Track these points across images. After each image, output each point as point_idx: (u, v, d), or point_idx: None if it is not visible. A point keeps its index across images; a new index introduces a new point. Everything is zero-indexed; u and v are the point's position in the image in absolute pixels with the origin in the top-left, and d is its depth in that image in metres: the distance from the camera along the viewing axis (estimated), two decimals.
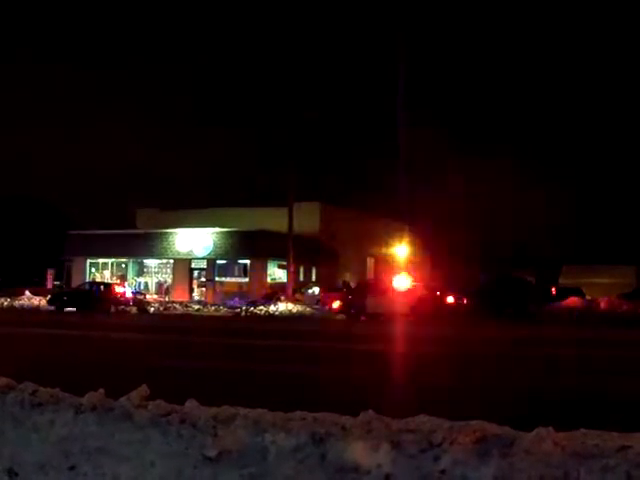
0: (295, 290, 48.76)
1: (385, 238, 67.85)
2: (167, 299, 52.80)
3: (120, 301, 45.50)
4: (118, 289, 47.25)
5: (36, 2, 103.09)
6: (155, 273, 58.37)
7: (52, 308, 45.32)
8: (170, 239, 56.12)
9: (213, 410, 4.14)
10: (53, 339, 22.88)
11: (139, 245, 56.58)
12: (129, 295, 47.15)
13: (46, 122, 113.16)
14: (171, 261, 56.75)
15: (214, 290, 54.54)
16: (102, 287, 47.61)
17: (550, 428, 3.64)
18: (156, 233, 57.09)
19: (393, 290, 40.86)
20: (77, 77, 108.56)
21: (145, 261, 58.30)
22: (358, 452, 3.57)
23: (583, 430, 3.59)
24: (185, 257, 55.66)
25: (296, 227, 48.88)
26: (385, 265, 67.11)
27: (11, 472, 4.06)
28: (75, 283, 54.89)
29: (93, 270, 59.52)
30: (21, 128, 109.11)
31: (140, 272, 58.74)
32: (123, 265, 58.93)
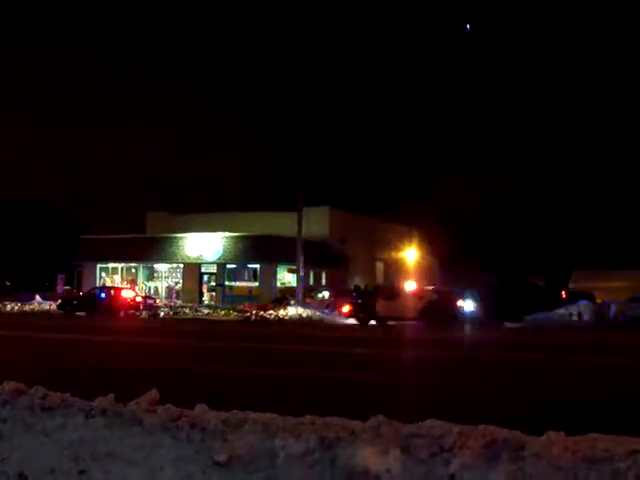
0: (306, 294, 48.73)
1: (395, 242, 67.79)
2: (177, 303, 52.80)
3: (130, 305, 45.53)
4: (128, 293, 47.29)
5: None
6: (165, 277, 58.38)
7: (62, 312, 45.39)
8: (180, 243, 56.14)
9: (223, 414, 4.14)
10: (62, 344, 22.92)
11: (149, 250, 56.63)
12: (139, 299, 47.18)
13: (57, 128, 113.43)
14: (181, 265, 56.77)
15: (223, 294, 54.54)
16: (112, 292, 47.64)
17: (561, 433, 3.63)
18: (166, 237, 57.14)
19: (403, 294, 40.76)
20: (87, 82, 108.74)
21: (155, 265, 58.33)
22: (367, 457, 3.56)
23: (593, 434, 3.58)
24: (195, 261, 55.66)
25: (306, 231, 48.83)
26: (395, 269, 67.07)
27: (21, 476, 4.07)
28: (85, 288, 54.97)
29: (103, 275, 59.60)
30: (32, 135, 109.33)
31: (150, 276, 58.77)
32: (133, 270, 58.98)
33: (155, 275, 58.75)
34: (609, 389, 12.11)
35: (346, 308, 40.63)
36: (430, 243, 68.90)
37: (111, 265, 59.45)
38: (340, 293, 49.12)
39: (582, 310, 38.08)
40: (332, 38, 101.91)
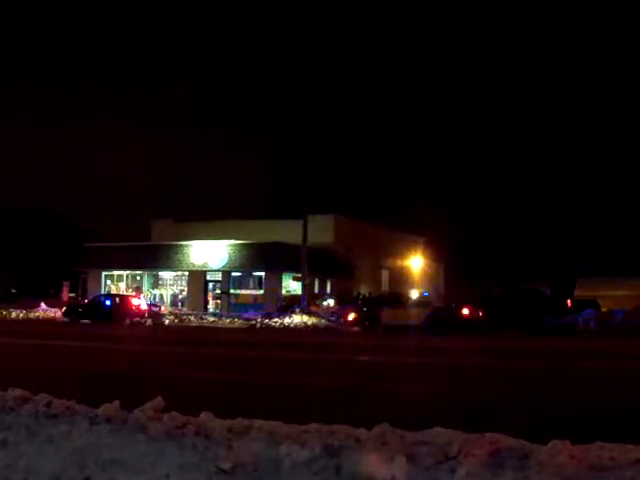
0: (311, 301, 48.73)
1: (400, 250, 67.79)
2: (182, 311, 52.82)
3: (135, 313, 45.50)
4: (133, 301, 47.25)
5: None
6: (170, 285, 58.40)
7: (67, 320, 45.39)
8: (185, 251, 56.17)
9: (228, 422, 4.14)
10: (68, 351, 22.92)
11: (154, 257, 56.67)
12: (144, 307, 47.16)
13: (61, 135, 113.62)
14: (186, 273, 56.78)
15: (229, 302, 54.54)
16: (117, 299, 47.63)
17: (566, 441, 3.63)
18: (171, 245, 57.18)
19: (408, 302, 40.77)
20: (88, 88, 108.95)
21: (160, 273, 58.36)
22: (373, 464, 3.56)
23: (599, 443, 3.58)
24: (200, 269, 55.67)
25: (311, 239, 48.84)
26: (400, 277, 67.05)
27: None
28: (91, 295, 55.00)
29: (108, 282, 59.65)
30: (36, 142, 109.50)
31: (155, 284, 58.79)
32: (138, 277, 59.01)
33: (160, 283, 58.78)
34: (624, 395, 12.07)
35: (351, 316, 40.63)
36: (435, 251, 68.90)
37: (116, 272, 59.50)
38: (346, 301, 49.18)
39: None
40: (335, 45, 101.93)
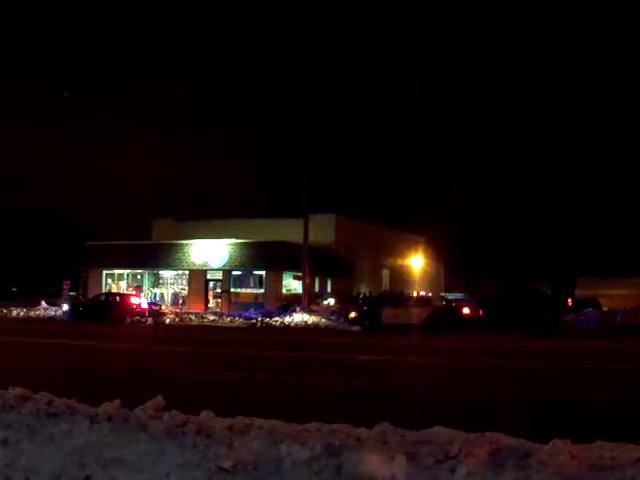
0: (312, 300, 48.68)
1: (400, 250, 67.78)
2: (183, 310, 52.77)
3: (136, 312, 45.45)
4: (134, 300, 47.21)
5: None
6: (171, 284, 58.35)
7: (67, 318, 45.36)
8: (186, 250, 56.14)
9: (228, 421, 4.14)
10: (68, 349, 22.92)
11: (155, 256, 56.62)
12: (145, 306, 47.12)
13: (61, 135, 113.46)
14: (187, 272, 56.74)
15: (229, 301, 54.49)
16: (118, 298, 47.58)
17: (567, 440, 3.62)
18: (172, 244, 57.14)
19: (409, 301, 40.74)
20: (88, 88, 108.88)
21: (161, 272, 58.31)
22: (373, 464, 3.56)
23: (600, 442, 3.57)
24: (201, 268, 55.63)
25: (312, 238, 48.81)
26: (400, 276, 67.04)
27: None
28: (91, 294, 54.98)
29: (109, 281, 59.62)
30: (36, 142, 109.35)
31: (156, 283, 58.74)
32: (139, 276, 58.97)
33: (161, 282, 58.74)
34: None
35: (352, 315, 40.61)
36: (436, 250, 68.86)
37: (117, 271, 59.48)
38: (346, 300, 49.16)
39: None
40: (335, 44, 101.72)
